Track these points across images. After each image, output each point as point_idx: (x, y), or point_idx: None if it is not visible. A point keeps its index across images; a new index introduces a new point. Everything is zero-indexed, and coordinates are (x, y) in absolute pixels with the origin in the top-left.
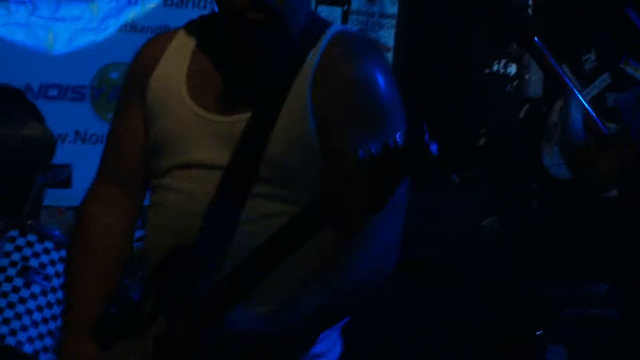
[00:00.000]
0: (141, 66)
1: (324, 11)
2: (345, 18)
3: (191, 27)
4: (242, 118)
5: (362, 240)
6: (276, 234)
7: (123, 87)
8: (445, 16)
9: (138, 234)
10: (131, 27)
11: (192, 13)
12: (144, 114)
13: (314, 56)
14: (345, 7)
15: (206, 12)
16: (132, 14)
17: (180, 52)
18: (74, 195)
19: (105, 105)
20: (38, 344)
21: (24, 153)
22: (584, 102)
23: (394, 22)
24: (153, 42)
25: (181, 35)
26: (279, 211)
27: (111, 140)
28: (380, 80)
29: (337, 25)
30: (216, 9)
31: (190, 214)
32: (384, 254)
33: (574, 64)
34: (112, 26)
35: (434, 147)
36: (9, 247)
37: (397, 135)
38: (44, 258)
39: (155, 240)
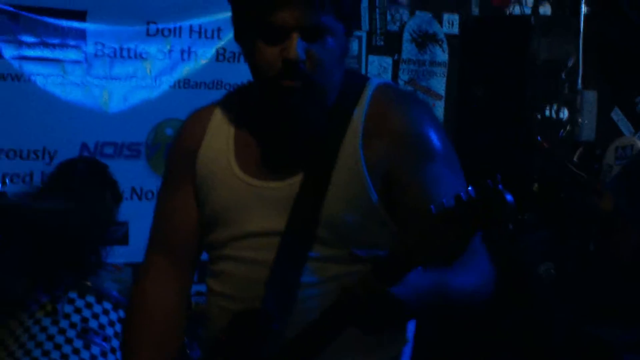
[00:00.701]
0: (186, 146)
1: (374, 61)
2: (395, 67)
3: (230, 100)
4: (294, 181)
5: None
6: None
7: (168, 168)
8: (495, 63)
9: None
10: (184, 84)
11: (244, 68)
12: (194, 191)
13: (359, 112)
14: (396, 57)
15: None
16: (185, 70)
17: (223, 125)
18: (131, 251)
19: (161, 162)
20: None
21: (90, 226)
22: None
23: (444, 70)
24: (193, 120)
25: (221, 109)
26: (341, 272)
27: (162, 220)
28: (434, 128)
29: (375, 79)
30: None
31: (253, 281)
32: (487, 282)
33: (626, 106)
34: (165, 83)
35: (509, 197)
36: (68, 308)
37: (470, 188)
38: (103, 319)
39: (219, 307)
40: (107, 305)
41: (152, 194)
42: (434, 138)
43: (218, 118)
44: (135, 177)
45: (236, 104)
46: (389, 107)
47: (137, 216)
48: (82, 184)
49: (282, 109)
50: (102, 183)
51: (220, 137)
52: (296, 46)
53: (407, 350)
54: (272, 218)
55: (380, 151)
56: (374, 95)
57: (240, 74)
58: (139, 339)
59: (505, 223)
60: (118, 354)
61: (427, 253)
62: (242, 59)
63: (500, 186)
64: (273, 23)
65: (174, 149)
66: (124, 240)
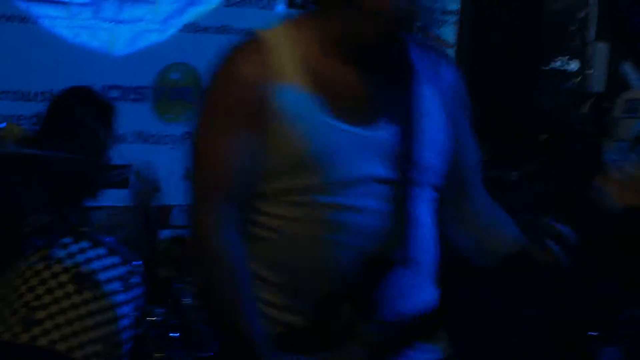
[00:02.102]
0: (245, 83)
1: None
2: None
3: (286, 37)
4: (388, 128)
5: None
6: None
7: (222, 107)
8: (506, 12)
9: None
10: (193, 28)
11: (253, 12)
12: (262, 133)
13: (417, 58)
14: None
15: (266, 11)
16: (193, 14)
17: (290, 62)
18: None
19: (166, 106)
20: (89, 350)
21: (85, 169)
22: None
23: (455, 18)
24: (248, 61)
25: (280, 45)
26: (435, 212)
27: (222, 162)
28: None
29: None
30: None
31: (374, 227)
32: None
33: (638, 59)
34: (173, 27)
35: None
36: (62, 253)
37: None
38: (97, 264)
39: (333, 256)
40: (102, 251)
41: (156, 137)
42: None
43: (281, 54)
44: (140, 120)
45: (301, 39)
46: (441, 59)
47: (142, 160)
48: (76, 122)
49: (387, 58)
50: (95, 115)
51: (292, 75)
52: None
53: None
54: (379, 165)
55: (448, 103)
56: (421, 45)
57: (249, 18)
58: (242, 294)
59: None
60: (111, 298)
61: None
62: (251, 3)
63: None
64: None
65: (228, 87)
66: (126, 183)
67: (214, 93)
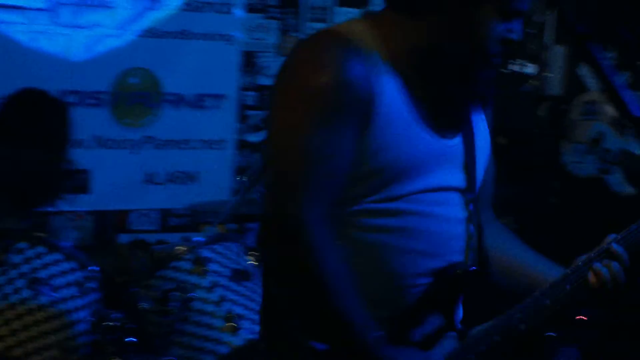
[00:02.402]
0: (356, 88)
1: (343, 13)
2: None
3: (370, 36)
4: (457, 141)
5: None
6: None
7: (333, 107)
8: None
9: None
10: (151, 33)
11: (211, 18)
12: (366, 137)
13: None
14: (364, 10)
15: (225, 15)
16: (152, 19)
17: (390, 73)
18: (91, 199)
19: (124, 111)
20: (45, 355)
21: (41, 174)
22: None
23: None
24: (354, 61)
25: (368, 45)
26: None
27: (325, 161)
28: None
29: None
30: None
31: (448, 236)
32: None
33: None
34: (131, 32)
35: None
36: (18, 259)
37: None
38: (53, 269)
39: (408, 263)
40: (58, 256)
41: (114, 142)
42: None
43: (373, 53)
44: (97, 125)
45: (383, 40)
46: None
47: (99, 164)
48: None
49: (480, 81)
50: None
51: (392, 86)
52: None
53: None
54: (451, 174)
55: (489, 126)
56: None
57: (208, 23)
58: (352, 288)
59: None
60: (68, 303)
61: None
62: (209, 8)
63: None
64: (517, 5)
65: (338, 90)
66: (84, 188)
67: (307, 85)
